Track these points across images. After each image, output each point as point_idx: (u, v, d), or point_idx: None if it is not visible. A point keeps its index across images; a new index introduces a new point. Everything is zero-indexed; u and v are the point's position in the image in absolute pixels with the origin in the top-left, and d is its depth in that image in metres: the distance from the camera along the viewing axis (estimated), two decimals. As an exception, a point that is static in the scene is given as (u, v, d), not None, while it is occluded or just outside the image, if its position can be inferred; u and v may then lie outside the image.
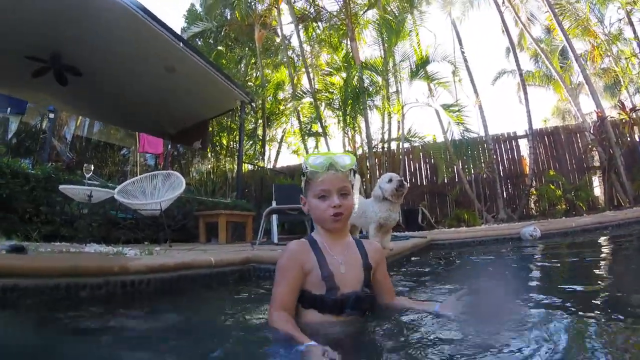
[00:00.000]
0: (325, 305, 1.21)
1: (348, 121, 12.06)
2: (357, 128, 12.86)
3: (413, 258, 3.99)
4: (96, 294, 1.92)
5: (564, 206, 10.73)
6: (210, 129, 12.21)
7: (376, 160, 11.75)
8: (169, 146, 8.56)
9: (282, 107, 15.76)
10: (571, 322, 1.22)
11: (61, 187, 4.33)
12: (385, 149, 12.30)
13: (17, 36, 7.05)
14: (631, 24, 11.77)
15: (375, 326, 1.27)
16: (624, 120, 10.46)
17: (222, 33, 13.02)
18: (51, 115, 6.10)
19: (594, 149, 10.87)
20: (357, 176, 1.42)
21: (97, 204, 4.72)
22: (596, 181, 11.39)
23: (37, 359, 1.14)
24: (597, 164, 11.21)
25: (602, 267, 2.77)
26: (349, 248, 1.38)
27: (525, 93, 11.86)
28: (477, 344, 1.03)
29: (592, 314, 1.36)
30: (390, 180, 3.19)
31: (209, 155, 10.80)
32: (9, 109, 6.11)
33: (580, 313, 1.36)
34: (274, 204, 6.35)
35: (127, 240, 4.84)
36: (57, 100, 8.83)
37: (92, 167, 4.72)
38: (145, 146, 7.37)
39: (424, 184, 12.55)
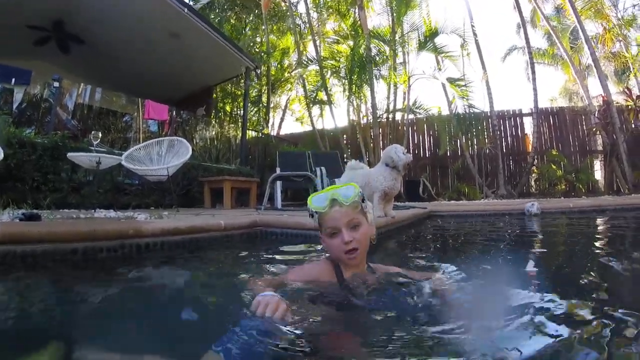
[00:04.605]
0: None
1: (354, 90, 11.98)
2: (362, 97, 12.77)
3: (412, 226, 4.19)
4: (112, 256, 2.05)
5: (563, 187, 10.84)
6: (214, 95, 12.14)
7: (380, 130, 11.76)
8: (174, 112, 8.55)
9: (287, 74, 15.58)
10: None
11: (70, 154, 4.40)
12: (390, 120, 12.27)
13: (18, 5, 6.89)
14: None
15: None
16: (629, 107, 10.37)
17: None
18: (56, 84, 6.02)
19: (598, 132, 10.85)
20: (369, 203, 1.37)
21: (103, 171, 4.79)
22: (597, 165, 11.44)
23: (56, 317, 1.28)
24: (600, 148, 11.24)
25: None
26: None
27: (533, 71, 11.64)
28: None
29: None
30: (404, 153, 3.35)
31: (213, 121, 10.79)
32: (13, 79, 6.01)
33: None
34: (277, 170, 6.43)
35: (133, 205, 4.95)
36: (60, 68, 8.71)
37: (100, 135, 4.78)
38: (150, 112, 7.39)
39: (427, 156, 12.61)
